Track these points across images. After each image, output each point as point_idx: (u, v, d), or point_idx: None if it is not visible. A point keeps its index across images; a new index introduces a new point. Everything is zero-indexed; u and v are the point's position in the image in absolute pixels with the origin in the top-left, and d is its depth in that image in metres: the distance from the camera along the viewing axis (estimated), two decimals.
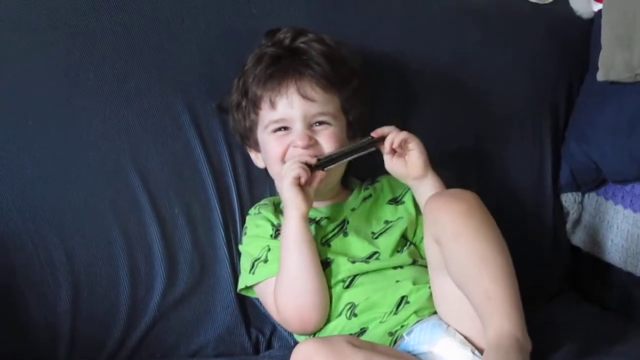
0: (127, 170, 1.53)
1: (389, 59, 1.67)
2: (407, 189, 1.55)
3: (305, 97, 1.47)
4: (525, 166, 1.73)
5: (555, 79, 1.77)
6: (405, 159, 1.48)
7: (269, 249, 1.49)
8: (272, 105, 1.47)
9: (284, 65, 1.48)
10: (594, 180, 1.70)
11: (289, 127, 1.48)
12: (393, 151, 1.48)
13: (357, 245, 1.50)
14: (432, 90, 1.69)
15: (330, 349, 1.21)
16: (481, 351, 1.29)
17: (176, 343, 1.54)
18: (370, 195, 1.58)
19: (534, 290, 1.67)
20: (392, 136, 1.46)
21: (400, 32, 1.70)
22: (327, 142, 1.48)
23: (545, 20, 1.79)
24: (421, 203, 1.50)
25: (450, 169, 1.66)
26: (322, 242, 1.49)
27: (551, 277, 1.75)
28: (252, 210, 1.57)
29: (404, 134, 1.47)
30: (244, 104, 1.52)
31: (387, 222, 1.54)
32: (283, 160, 1.47)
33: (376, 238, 1.51)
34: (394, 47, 1.68)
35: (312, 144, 1.47)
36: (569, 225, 1.76)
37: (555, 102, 1.76)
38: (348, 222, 1.52)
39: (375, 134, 1.48)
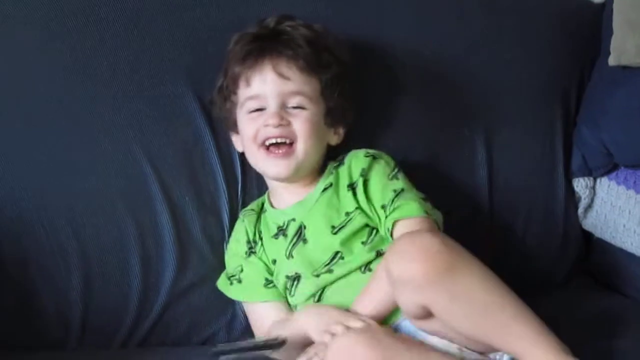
0: (139, 159, 1.53)
1: (400, 47, 1.65)
2: (362, 173, 1.47)
3: (280, 74, 1.44)
4: (537, 152, 1.71)
5: (567, 64, 1.75)
6: None
7: (242, 270, 1.49)
8: (247, 82, 1.46)
9: (263, 44, 1.47)
10: (605, 165, 1.69)
11: (265, 107, 1.45)
12: None
13: (318, 249, 1.44)
14: (444, 77, 1.68)
15: (370, 338, 1.21)
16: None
17: (187, 331, 1.54)
18: (330, 185, 1.49)
19: (545, 276, 1.70)
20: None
21: (411, 21, 1.69)
22: (301, 126, 1.44)
23: (556, 5, 1.77)
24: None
25: (462, 155, 1.66)
26: (286, 255, 1.46)
27: (563, 262, 1.74)
28: (240, 214, 1.55)
29: None
30: (224, 84, 1.50)
31: (347, 214, 1.46)
32: (256, 141, 1.45)
33: (336, 233, 1.44)
34: (405, 35, 1.67)
35: (284, 124, 1.43)
36: (580, 211, 1.73)
37: (566, 87, 1.75)
38: (305, 227, 1.46)
39: None
